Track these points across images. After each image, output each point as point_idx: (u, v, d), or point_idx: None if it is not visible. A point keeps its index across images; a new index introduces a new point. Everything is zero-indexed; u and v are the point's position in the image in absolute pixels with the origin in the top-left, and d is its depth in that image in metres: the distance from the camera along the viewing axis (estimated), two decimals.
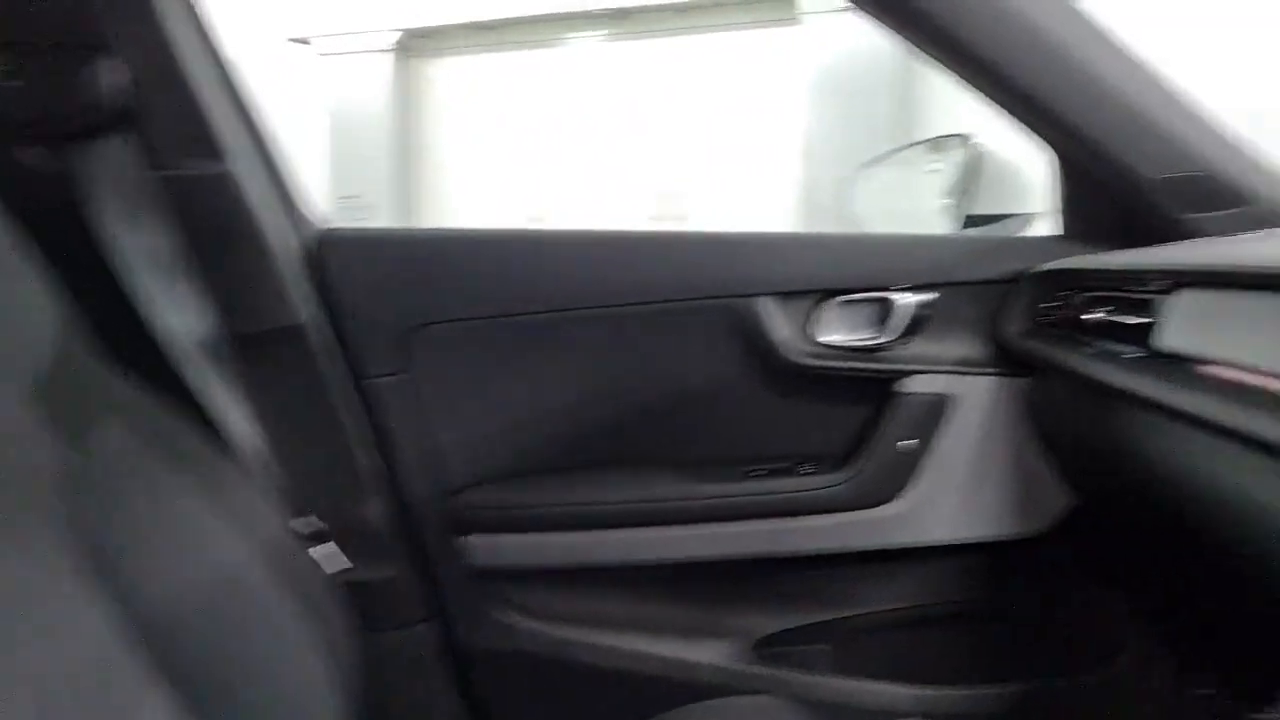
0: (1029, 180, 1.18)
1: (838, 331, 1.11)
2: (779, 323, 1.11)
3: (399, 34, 6.89)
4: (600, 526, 1.15)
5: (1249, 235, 0.94)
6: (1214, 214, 0.98)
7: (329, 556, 1.04)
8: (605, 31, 6.79)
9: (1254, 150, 0.99)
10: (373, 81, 6.97)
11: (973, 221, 1.19)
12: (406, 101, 7.12)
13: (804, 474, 1.13)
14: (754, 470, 1.14)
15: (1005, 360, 1.08)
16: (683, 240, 1.14)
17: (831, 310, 1.10)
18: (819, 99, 5.88)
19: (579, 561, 1.17)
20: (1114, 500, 1.08)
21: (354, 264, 1.11)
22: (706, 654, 1.19)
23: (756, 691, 1.15)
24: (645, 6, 6.52)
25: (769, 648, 1.19)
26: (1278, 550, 0.75)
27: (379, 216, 6.86)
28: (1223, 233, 0.97)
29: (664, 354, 1.14)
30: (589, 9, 6.62)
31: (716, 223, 6.56)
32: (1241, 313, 0.76)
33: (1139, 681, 1.15)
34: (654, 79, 6.71)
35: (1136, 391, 0.82)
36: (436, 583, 1.18)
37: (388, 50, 6.93)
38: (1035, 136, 1.03)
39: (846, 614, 1.17)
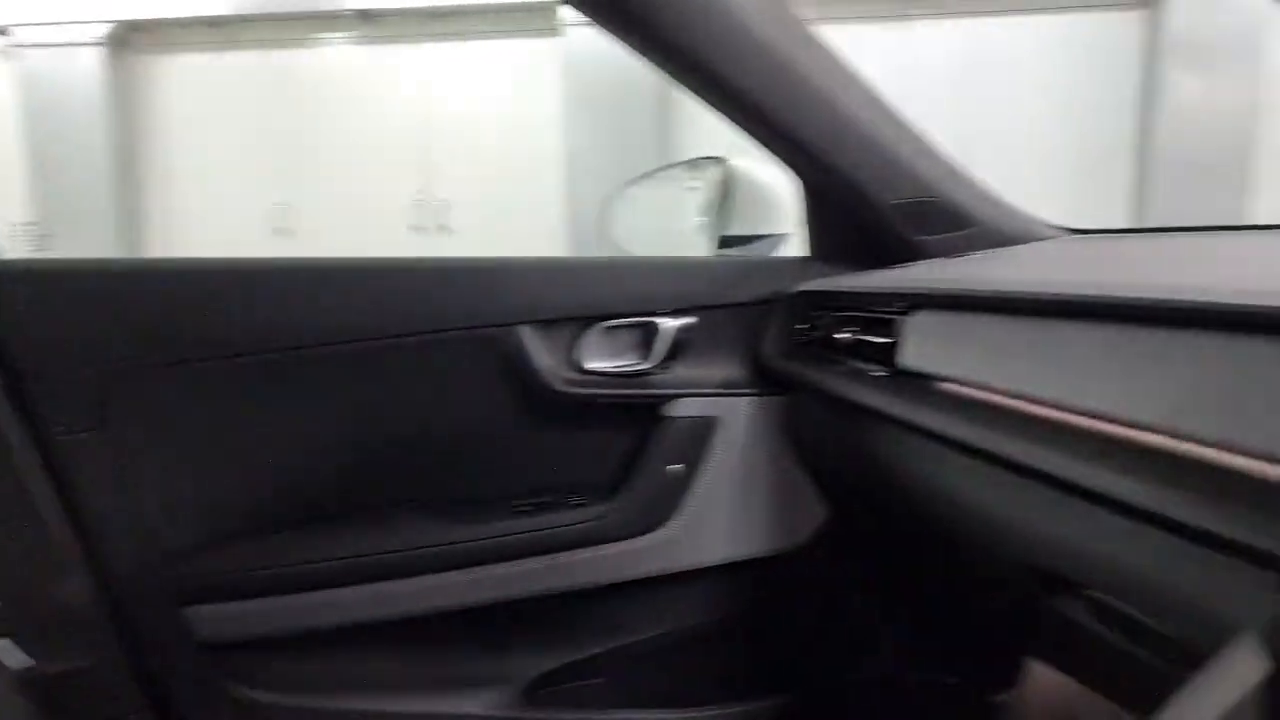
0: (781, 201, 1.21)
1: (602, 358, 1.08)
2: (541, 351, 1.06)
3: (112, 26, 6.19)
4: (347, 583, 1.05)
5: (978, 255, 1.02)
6: (945, 236, 1.04)
7: (6, 650, 0.87)
8: (353, 34, 6.47)
9: (974, 177, 1.08)
10: (80, 78, 6.21)
11: (727, 242, 1.20)
12: (122, 103, 6.41)
13: (573, 505, 1.09)
14: (521, 506, 1.09)
15: (765, 380, 1.10)
16: (436, 269, 1.07)
17: (595, 337, 1.08)
18: (581, 113, 5.94)
19: (324, 623, 1.06)
20: (865, 511, 1.13)
21: (31, 302, 0.94)
22: (477, 704, 1.12)
23: None
24: (394, 10, 6.28)
25: (542, 689, 1.14)
26: (1005, 551, 0.80)
27: (81, 240, 6.11)
28: (954, 253, 1.04)
29: (418, 391, 1.07)
30: (335, 9, 6.28)
31: (478, 231, 6.44)
32: (968, 333, 0.81)
33: (895, 678, 1.21)
34: (409, 86, 6.49)
35: (879, 408, 0.86)
36: (152, 666, 1.02)
37: (97, 43, 6.20)
38: (779, 161, 1.05)
39: (617, 644, 1.15)
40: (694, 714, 1.17)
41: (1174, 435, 0.61)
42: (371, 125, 6.48)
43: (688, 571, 1.12)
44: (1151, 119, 5.94)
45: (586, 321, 1.07)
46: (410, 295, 1.04)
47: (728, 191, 1.19)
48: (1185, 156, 5.78)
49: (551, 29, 5.75)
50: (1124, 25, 6.13)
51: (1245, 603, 0.54)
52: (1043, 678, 1.14)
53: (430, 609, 1.07)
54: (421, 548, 1.05)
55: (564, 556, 1.07)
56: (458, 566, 1.06)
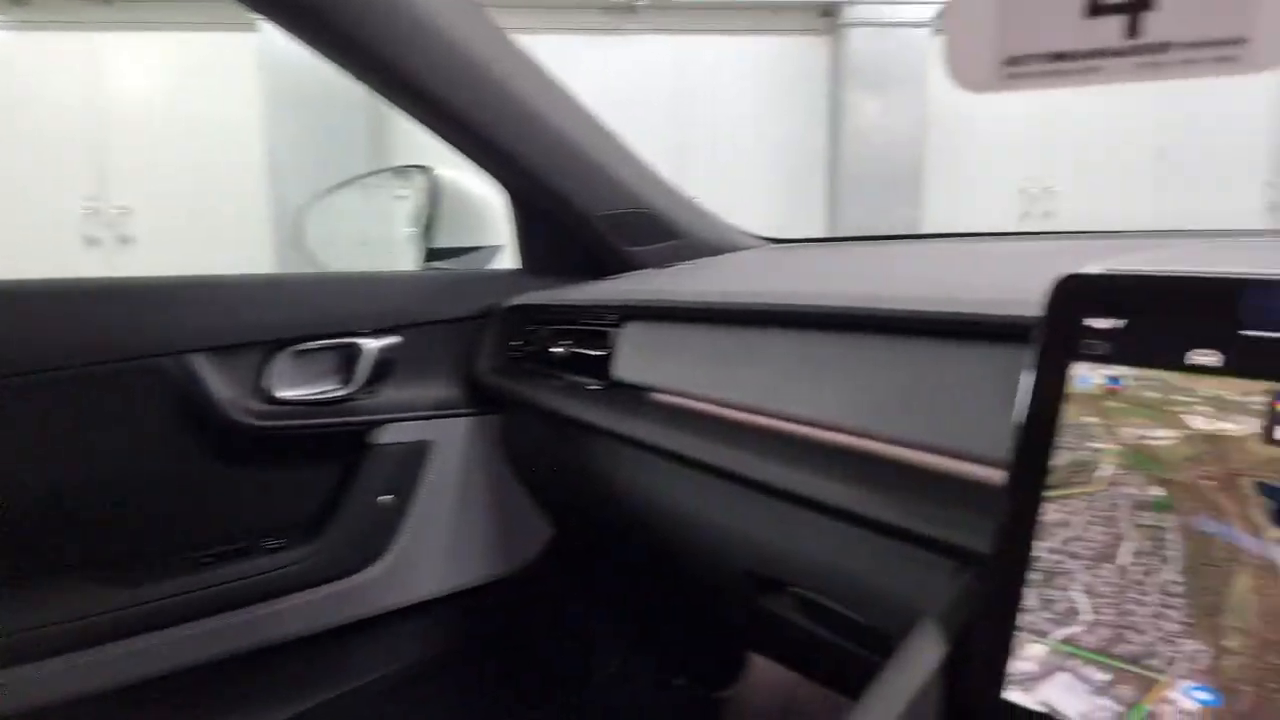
0: (492, 213, 1.18)
1: (295, 385, 0.98)
2: (219, 382, 0.94)
3: None
4: (9, 663, 0.87)
5: (686, 266, 1.04)
6: (653, 247, 1.06)
7: None
8: (4, 18, 5.61)
9: (679, 189, 1.10)
10: None
11: (435, 254, 1.14)
12: None
13: (270, 549, 0.98)
14: (206, 557, 0.96)
15: (480, 399, 1.05)
16: (90, 290, 0.91)
17: (285, 362, 0.97)
18: (282, 113, 5.54)
19: None
20: (586, 526, 1.12)
21: None
22: None
23: None
24: None
25: None
26: (718, 555, 0.82)
27: None
28: (662, 264, 1.05)
29: (78, 433, 0.91)
30: None
31: (167, 242, 5.82)
32: (677, 343, 0.82)
33: (625, 685, 1.21)
34: (78, 79, 5.72)
35: (594, 422, 0.85)
36: None
37: None
38: (485, 172, 1.02)
39: (333, 694, 1.05)
40: None
41: (862, 435, 0.64)
42: (31, 124, 5.64)
43: (407, 610, 1.04)
44: (838, 137, 6.59)
45: (274, 345, 0.97)
46: (64, 321, 0.89)
47: (435, 201, 1.13)
48: (868, 171, 6.47)
49: (246, 23, 5.30)
50: (811, 50, 6.74)
51: (928, 589, 0.58)
52: (766, 672, 1.19)
53: (104, 687, 0.91)
54: (89, 617, 0.90)
55: (264, 607, 0.96)
56: (135, 633, 0.91)
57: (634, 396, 0.85)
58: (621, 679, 1.21)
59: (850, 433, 0.65)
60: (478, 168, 1.01)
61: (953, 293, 0.64)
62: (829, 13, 6.53)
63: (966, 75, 0.38)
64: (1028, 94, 0.36)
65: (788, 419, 0.69)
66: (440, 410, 1.04)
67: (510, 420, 1.06)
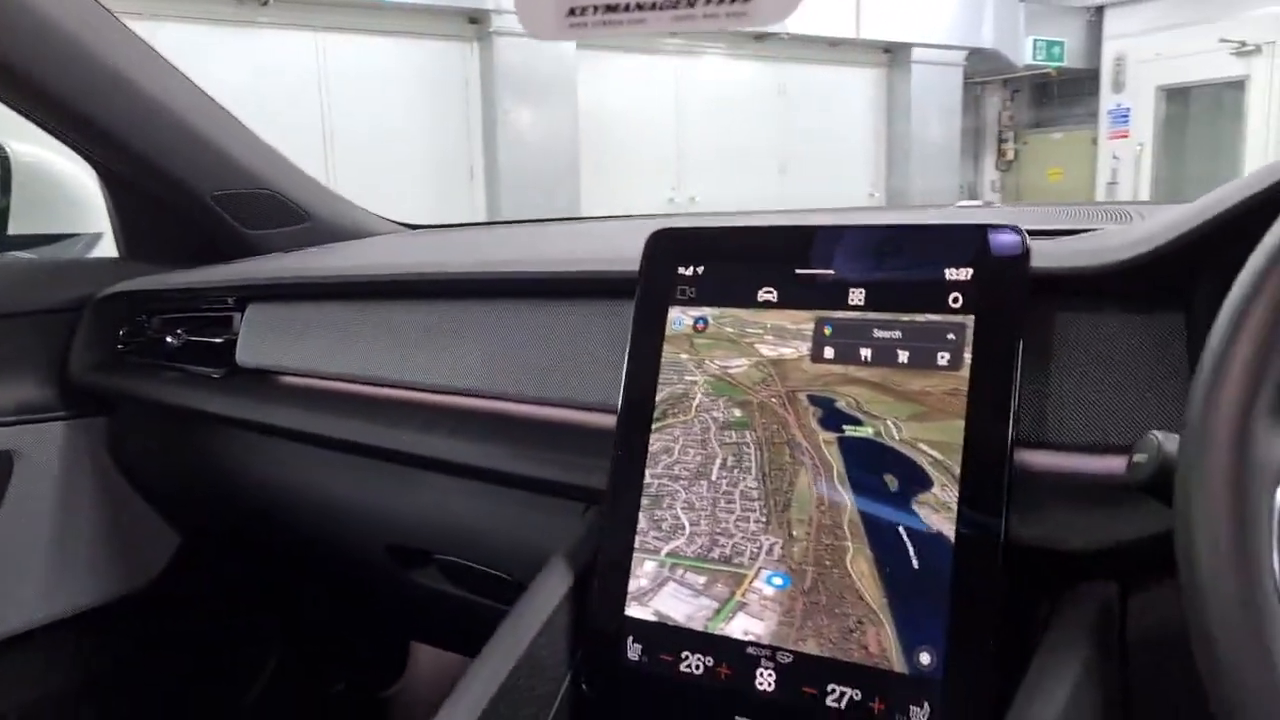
0: (86, 197, 1.04)
1: None
2: None
3: None
4: None
5: (315, 250, 0.99)
6: (278, 230, 1.00)
7: None
8: None
9: (307, 174, 1.05)
10: None
11: (11, 243, 0.99)
12: None
13: None
14: None
15: (78, 401, 0.93)
16: None
17: None
18: None
19: None
20: (218, 529, 1.04)
21: None
22: None
23: None
24: None
25: None
26: (361, 535, 0.80)
27: None
28: (290, 248, 1.00)
29: None
30: None
31: None
32: (304, 322, 0.79)
33: (280, 697, 1.14)
34: None
35: (218, 412, 0.79)
36: None
37: None
38: (74, 149, 0.91)
39: None
40: None
41: (492, 397, 0.66)
42: None
43: (12, 638, 0.89)
44: (494, 141, 6.68)
45: None
46: None
47: (5, 183, 0.98)
48: (525, 173, 6.63)
49: None
50: (461, 56, 6.77)
51: (559, 533, 0.61)
52: (428, 664, 1.18)
53: None
54: None
55: None
56: None
57: (260, 380, 0.80)
58: (275, 691, 1.14)
59: (481, 396, 0.67)
60: (64, 143, 0.90)
61: (569, 259, 0.69)
62: (476, 20, 6.60)
63: (535, 25, 0.41)
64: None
65: (420, 389, 0.69)
66: (26, 415, 0.90)
67: (118, 423, 0.95)
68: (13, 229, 0.99)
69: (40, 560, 0.91)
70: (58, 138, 0.88)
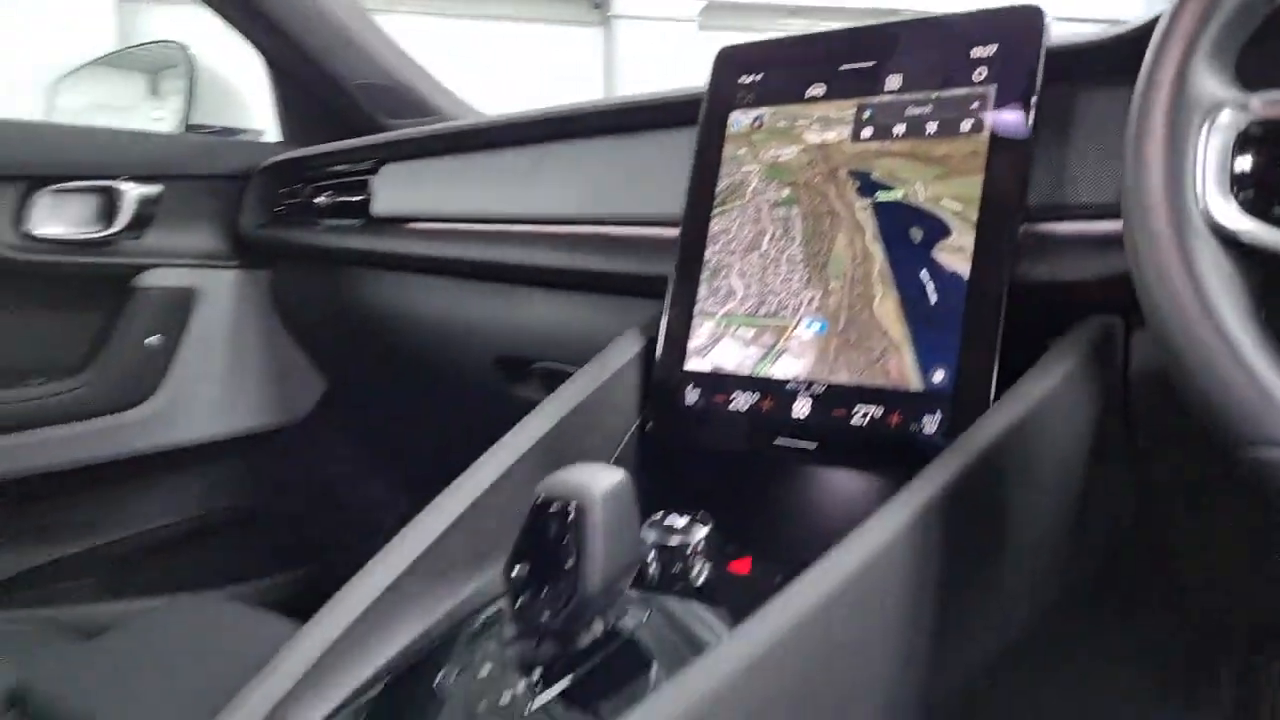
0: (249, 96, 1.21)
1: (56, 224, 0.98)
2: None
3: None
4: None
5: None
6: (408, 120, 1.13)
7: None
8: None
9: (434, 74, 1.18)
10: None
11: (194, 131, 1.16)
12: None
13: (37, 384, 0.98)
14: None
15: (247, 252, 1.09)
16: None
17: (46, 201, 0.97)
18: None
19: None
20: (356, 373, 1.18)
21: None
22: None
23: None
24: None
25: (16, 590, 1.01)
26: (468, 352, 0.91)
27: None
28: None
29: None
30: None
31: None
32: (427, 176, 0.91)
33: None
34: None
35: (358, 250, 0.93)
36: None
37: None
38: (246, 38, 1.06)
39: (109, 539, 1.06)
40: (208, 595, 1.11)
41: (579, 221, 0.77)
42: None
43: (183, 452, 1.06)
44: None
45: (32, 183, 0.97)
46: None
47: (191, 78, 1.15)
48: None
49: None
50: (585, 41, 6.95)
51: (629, 323, 0.70)
52: None
53: None
54: None
55: (28, 435, 0.96)
56: None
57: (391, 226, 0.93)
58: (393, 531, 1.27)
59: (570, 222, 0.77)
60: (241, 35, 1.05)
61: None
62: (599, 4, 6.76)
63: None
64: None
65: (520, 220, 0.80)
66: (205, 260, 1.07)
67: (280, 276, 1.10)
68: (192, 120, 1.16)
69: (213, 384, 1.08)
70: (238, 30, 1.03)
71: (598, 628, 0.45)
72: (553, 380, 0.87)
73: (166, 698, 0.67)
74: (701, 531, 0.51)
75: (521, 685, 0.43)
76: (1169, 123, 0.37)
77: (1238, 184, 0.36)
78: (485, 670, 0.46)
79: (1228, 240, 0.35)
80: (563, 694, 0.43)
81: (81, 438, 0.99)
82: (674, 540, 0.51)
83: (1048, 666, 0.59)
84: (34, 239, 0.97)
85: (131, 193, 1.00)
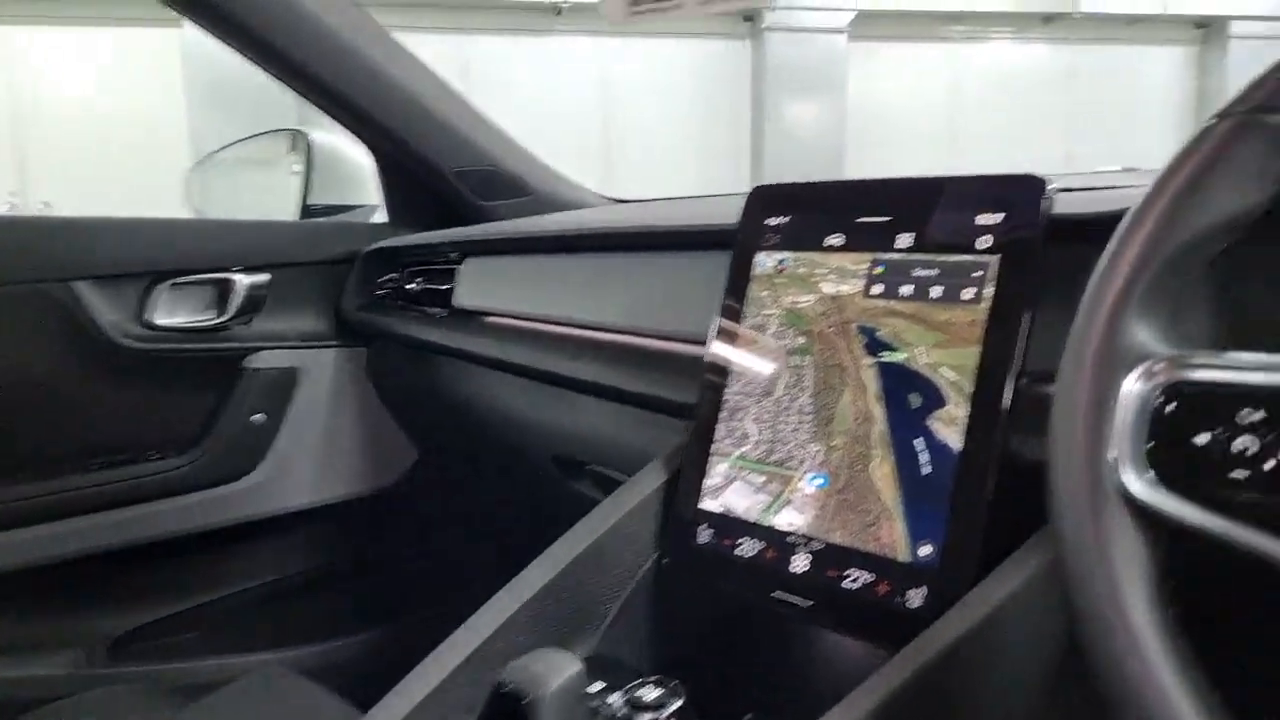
0: (364, 174, 1.31)
1: (174, 314, 1.10)
2: (102, 307, 1.06)
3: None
4: None
5: (527, 219, 1.18)
6: (506, 202, 1.20)
7: None
8: None
9: (531, 152, 1.24)
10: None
11: (310, 212, 1.27)
12: None
13: (152, 459, 1.10)
14: (92, 463, 1.08)
15: (346, 333, 1.19)
16: None
17: (165, 293, 1.09)
18: (207, 104, 5.57)
19: None
20: (447, 445, 1.26)
21: None
22: (58, 665, 1.09)
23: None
24: None
25: (129, 645, 1.13)
26: (530, 449, 0.96)
27: None
28: (511, 217, 1.20)
29: None
30: None
31: None
32: (507, 273, 0.97)
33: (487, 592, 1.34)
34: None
35: (438, 343, 0.99)
36: None
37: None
38: (353, 135, 1.15)
39: (212, 597, 1.17)
40: (295, 653, 1.22)
41: (623, 331, 0.80)
42: None
43: (283, 519, 1.17)
44: (760, 131, 6.82)
45: (155, 277, 1.09)
46: None
47: (309, 163, 1.26)
48: (790, 162, 6.71)
49: (171, 18, 5.31)
50: (734, 53, 6.97)
51: (662, 441, 0.73)
52: None
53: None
54: None
55: (144, 508, 1.08)
56: (25, 524, 1.02)
57: (470, 319, 0.99)
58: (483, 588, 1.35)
59: (616, 331, 0.81)
60: (348, 131, 1.15)
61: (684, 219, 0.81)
62: (751, 17, 6.76)
63: (611, 13, 0.54)
64: None
65: (576, 325, 0.85)
66: (308, 342, 1.17)
67: (375, 353, 1.19)
68: (312, 200, 1.27)
69: (312, 455, 1.18)
70: (339, 121, 1.12)
71: None
72: (605, 484, 0.91)
73: None
74: (674, 705, 0.54)
75: None
76: (1095, 376, 0.37)
77: (1160, 443, 0.36)
78: None
79: (1139, 511, 0.35)
80: None
81: (190, 509, 1.11)
82: (645, 717, 0.53)
83: None
84: (154, 328, 1.09)
85: (242, 282, 1.11)
